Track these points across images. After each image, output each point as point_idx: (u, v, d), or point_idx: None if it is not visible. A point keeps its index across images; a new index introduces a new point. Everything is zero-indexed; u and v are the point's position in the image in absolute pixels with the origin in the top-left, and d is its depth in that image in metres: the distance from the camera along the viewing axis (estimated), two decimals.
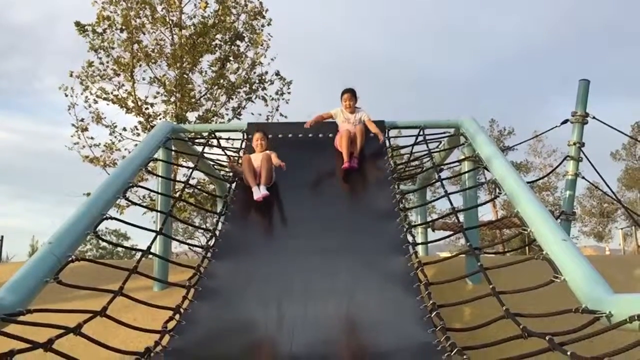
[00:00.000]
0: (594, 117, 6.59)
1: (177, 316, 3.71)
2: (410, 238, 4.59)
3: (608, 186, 7.44)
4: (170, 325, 3.62)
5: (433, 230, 8.85)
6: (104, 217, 3.94)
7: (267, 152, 5.41)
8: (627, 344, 2.19)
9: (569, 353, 2.20)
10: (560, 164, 6.70)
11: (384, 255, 4.43)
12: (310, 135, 6.20)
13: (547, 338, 2.44)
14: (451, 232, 6.04)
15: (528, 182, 4.43)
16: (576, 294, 2.86)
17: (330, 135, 6.18)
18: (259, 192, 5.04)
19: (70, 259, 3.36)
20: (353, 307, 3.92)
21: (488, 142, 5.06)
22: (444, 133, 6.28)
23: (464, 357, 2.78)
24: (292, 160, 5.80)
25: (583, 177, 6.59)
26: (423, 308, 3.67)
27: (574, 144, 6.51)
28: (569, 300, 2.83)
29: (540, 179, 23.95)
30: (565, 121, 6.67)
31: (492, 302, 3.33)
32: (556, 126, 6.92)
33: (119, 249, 30.50)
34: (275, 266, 4.39)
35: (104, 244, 31.23)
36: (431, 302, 3.63)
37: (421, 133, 6.12)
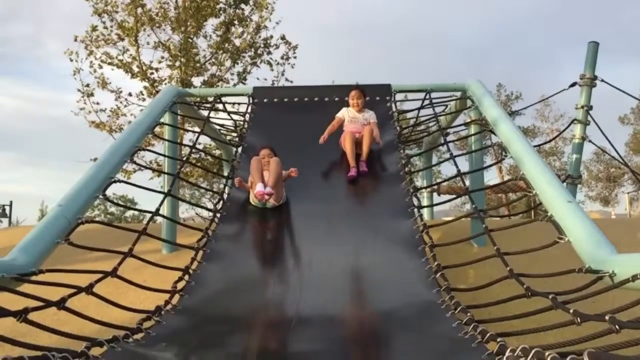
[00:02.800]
0: (602, 80, 6.51)
1: (186, 277, 3.78)
2: (415, 201, 4.62)
3: (616, 150, 7.40)
4: (180, 285, 3.69)
5: (439, 194, 8.90)
6: (113, 180, 3.97)
7: (276, 158, 4.81)
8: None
9: (571, 311, 2.24)
10: (567, 127, 6.65)
11: (390, 219, 4.46)
12: (316, 99, 6.19)
13: (550, 297, 2.47)
14: (457, 195, 6.06)
15: (534, 146, 4.42)
16: (580, 255, 2.88)
17: (337, 99, 6.16)
18: (262, 188, 4.47)
19: (80, 221, 3.41)
20: (359, 268, 3.98)
21: (494, 105, 5.04)
22: (451, 96, 6.26)
23: (468, 314, 2.83)
24: (299, 124, 5.81)
25: (590, 141, 6.56)
26: (428, 269, 3.71)
27: (582, 107, 6.45)
28: (574, 263, 2.85)
29: (546, 142, 23.74)
30: (574, 84, 6.60)
31: (496, 264, 3.36)
32: (564, 89, 6.85)
33: (127, 214, 30.78)
34: (282, 228, 4.43)
35: (112, 209, 31.49)
36: (436, 263, 3.68)
37: (427, 97, 6.09)
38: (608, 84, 6.63)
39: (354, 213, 4.67)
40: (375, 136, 5.36)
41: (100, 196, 3.81)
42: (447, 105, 6.44)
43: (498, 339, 2.25)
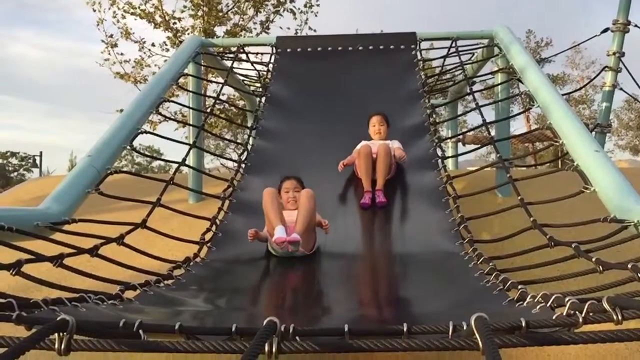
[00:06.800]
0: (636, 26, 6.31)
1: (213, 227, 3.87)
2: (439, 152, 4.60)
3: None
4: (207, 236, 3.78)
5: (464, 144, 8.84)
6: (139, 131, 4.03)
7: (309, 190, 3.60)
8: None
9: (593, 259, 2.24)
10: (598, 74, 6.50)
11: (414, 170, 4.46)
12: (340, 48, 6.11)
13: (573, 245, 2.48)
14: (481, 145, 6.02)
15: (563, 94, 4.34)
16: (605, 204, 2.86)
17: (361, 48, 6.07)
18: (283, 233, 3.26)
19: (109, 171, 3.49)
20: (382, 220, 4.00)
21: (522, 52, 4.92)
22: (478, 44, 6.12)
23: (490, 264, 2.85)
24: (323, 74, 5.78)
25: (621, 89, 6.41)
26: (452, 221, 3.74)
27: (614, 53, 6.27)
28: (600, 213, 2.82)
29: (576, 90, 23.16)
30: (606, 30, 6.40)
31: (521, 215, 3.35)
32: (595, 35, 6.65)
33: (154, 164, 31.28)
34: (306, 177, 4.44)
35: (139, 159, 32.06)
36: (459, 215, 3.69)
37: (453, 45, 5.96)
38: None
39: None
40: (400, 157, 4.38)
41: (128, 147, 3.88)
42: (473, 54, 6.32)
43: (519, 287, 2.28)
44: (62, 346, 1.30)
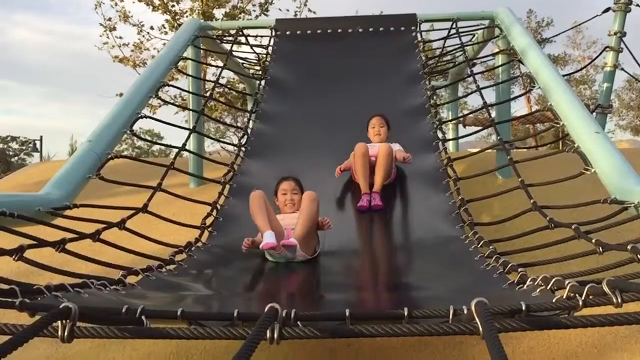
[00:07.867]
0: (637, 5, 6.25)
1: (214, 212, 3.87)
2: (440, 134, 4.59)
3: None
4: (209, 221, 3.78)
5: (464, 126, 8.81)
6: (139, 115, 4.01)
7: (312, 193, 3.33)
8: None
9: (593, 241, 2.25)
10: (599, 55, 6.45)
11: (414, 153, 4.45)
12: (339, 30, 6.07)
13: (573, 227, 2.48)
14: (482, 127, 6.01)
15: (564, 75, 4.31)
16: (606, 186, 2.86)
17: (360, 30, 6.03)
18: (272, 238, 3.01)
19: (109, 156, 3.49)
20: (382, 209, 3.97)
21: (523, 33, 4.88)
22: (478, 25, 6.08)
23: (490, 247, 2.86)
24: (322, 56, 5.74)
25: (622, 69, 6.37)
26: (452, 204, 3.73)
27: (615, 33, 6.22)
28: (601, 195, 2.83)
29: (577, 71, 22.99)
30: (607, 9, 6.35)
31: (521, 196, 3.35)
32: (597, 15, 6.60)
33: (154, 148, 31.23)
34: (306, 161, 4.44)
35: (140, 143, 31.93)
36: (460, 197, 3.69)
37: (454, 26, 5.92)
38: None
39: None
40: (405, 159, 4.07)
41: (128, 131, 3.87)
42: (474, 35, 6.27)
43: (519, 269, 2.28)
44: (65, 333, 1.30)
